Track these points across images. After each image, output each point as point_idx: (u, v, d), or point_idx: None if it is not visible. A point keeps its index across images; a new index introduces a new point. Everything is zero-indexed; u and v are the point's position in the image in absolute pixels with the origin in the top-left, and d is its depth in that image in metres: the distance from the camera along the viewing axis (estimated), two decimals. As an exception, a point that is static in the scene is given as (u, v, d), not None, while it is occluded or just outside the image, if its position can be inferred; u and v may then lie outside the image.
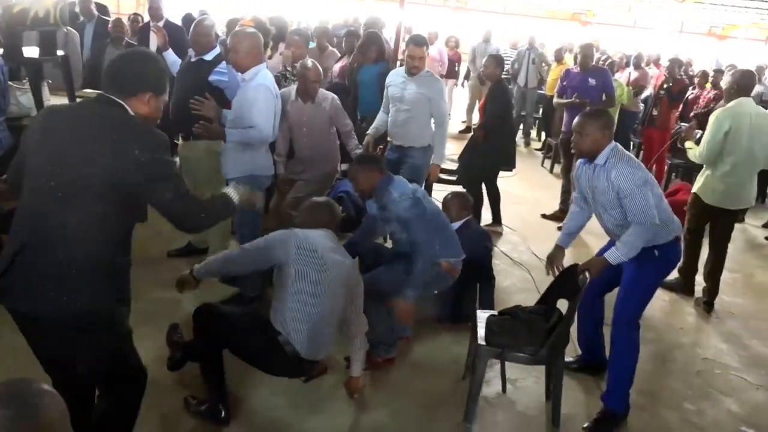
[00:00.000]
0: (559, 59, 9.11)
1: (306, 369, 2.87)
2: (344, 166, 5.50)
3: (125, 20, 6.51)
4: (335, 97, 4.38)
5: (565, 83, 6.44)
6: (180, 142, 4.24)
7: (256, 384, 3.19)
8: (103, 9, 7.30)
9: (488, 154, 5.46)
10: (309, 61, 4.26)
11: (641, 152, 8.98)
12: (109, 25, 5.97)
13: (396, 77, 4.65)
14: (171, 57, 4.49)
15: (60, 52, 4.23)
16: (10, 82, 4.03)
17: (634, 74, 8.69)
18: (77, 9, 6.62)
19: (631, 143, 8.71)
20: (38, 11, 3.87)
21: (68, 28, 5.02)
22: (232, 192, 2.39)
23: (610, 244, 3.18)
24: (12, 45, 3.94)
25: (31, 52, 4.02)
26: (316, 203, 3.08)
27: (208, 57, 4.00)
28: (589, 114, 3.13)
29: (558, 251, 3.39)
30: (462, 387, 3.29)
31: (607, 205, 3.08)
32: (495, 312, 3.23)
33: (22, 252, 1.93)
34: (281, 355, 2.72)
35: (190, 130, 3.75)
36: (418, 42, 4.51)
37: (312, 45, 6.18)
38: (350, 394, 3.07)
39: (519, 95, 9.65)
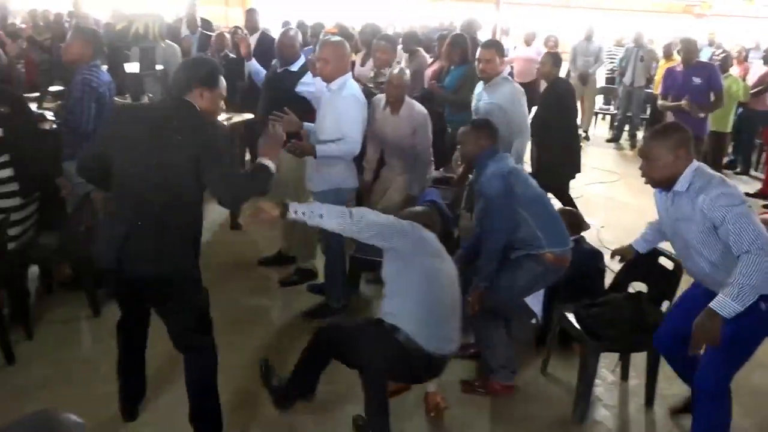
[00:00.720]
0: (667, 55, 8.52)
1: (438, 367, 2.72)
2: (435, 174, 5.39)
3: (227, 34, 6.72)
4: (426, 115, 4.14)
5: (667, 83, 5.97)
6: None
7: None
8: (206, 24, 7.59)
9: (550, 162, 5.12)
10: (396, 66, 4.17)
11: (764, 154, 8.24)
12: (212, 39, 6.19)
13: (478, 87, 4.38)
14: (254, 66, 4.54)
15: (159, 67, 4.39)
16: (116, 98, 4.24)
17: (763, 69, 7.86)
18: (184, 23, 6.92)
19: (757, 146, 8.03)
20: (138, 27, 4.04)
21: (167, 42, 5.23)
22: (269, 163, 2.52)
23: (698, 289, 2.61)
24: (114, 62, 4.13)
25: (132, 67, 4.21)
26: (416, 212, 2.97)
27: (294, 67, 4.01)
28: (655, 134, 2.51)
29: (627, 250, 3.06)
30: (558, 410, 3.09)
31: (696, 242, 2.42)
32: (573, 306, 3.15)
33: (129, 231, 2.36)
34: (406, 355, 2.58)
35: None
36: (485, 44, 4.24)
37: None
38: (427, 410, 2.94)
39: (624, 94, 9.16)
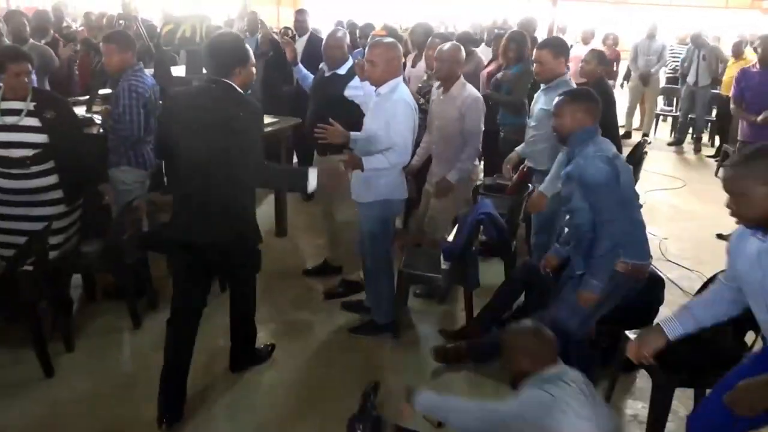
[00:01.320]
0: (737, 55, 7.98)
1: None
2: (487, 180, 5.15)
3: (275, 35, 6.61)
4: (477, 98, 3.86)
5: (742, 85, 5.51)
6: (316, 156, 4.14)
7: None
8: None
9: None
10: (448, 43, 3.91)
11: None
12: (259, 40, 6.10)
13: (538, 91, 4.06)
14: (301, 72, 4.37)
15: (205, 70, 4.28)
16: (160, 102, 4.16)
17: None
18: (235, 24, 6.87)
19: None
20: (185, 30, 3.94)
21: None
22: (312, 177, 2.79)
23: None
24: (161, 66, 4.05)
25: (178, 71, 4.11)
26: (521, 337, 2.27)
27: (342, 71, 3.84)
28: (742, 161, 1.93)
29: (658, 338, 2.25)
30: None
31: None
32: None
33: (192, 203, 2.70)
34: None
35: (326, 146, 3.62)
36: (539, 44, 3.91)
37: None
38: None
39: (687, 95, 8.67)
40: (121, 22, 6.18)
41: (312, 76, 4.32)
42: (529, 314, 2.99)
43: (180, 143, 2.63)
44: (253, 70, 2.80)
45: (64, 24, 7.15)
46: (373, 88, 3.43)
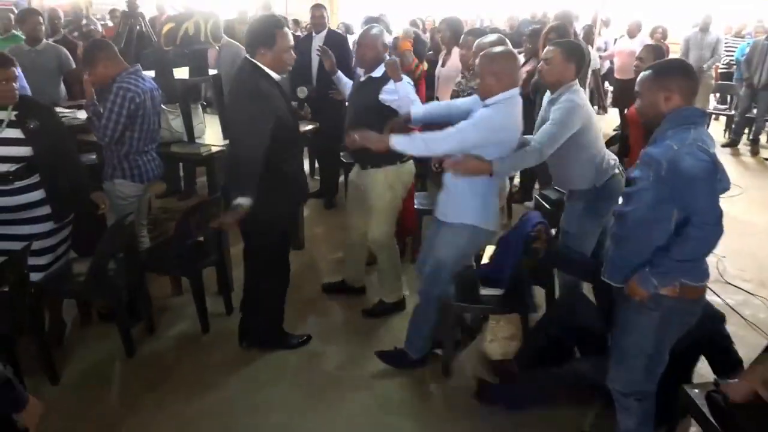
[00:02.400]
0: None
1: None
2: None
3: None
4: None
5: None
6: (355, 169, 3.75)
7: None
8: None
9: None
10: None
11: None
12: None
13: (545, 100, 3.36)
14: (342, 80, 3.92)
15: (213, 71, 3.94)
16: (164, 106, 3.83)
17: None
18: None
19: None
20: (189, 28, 3.59)
21: (228, 40, 4.78)
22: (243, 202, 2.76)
23: None
24: (162, 67, 3.71)
25: (181, 73, 3.77)
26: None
27: (377, 73, 3.40)
28: None
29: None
30: None
31: None
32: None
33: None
34: None
35: (365, 157, 3.28)
36: (553, 42, 3.33)
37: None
38: None
39: (747, 93, 7.94)
40: (85, 22, 5.87)
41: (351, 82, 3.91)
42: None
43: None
44: (285, 56, 2.86)
45: (84, 22, 6.90)
46: (408, 91, 3.26)
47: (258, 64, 2.82)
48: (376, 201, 3.55)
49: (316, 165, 6.25)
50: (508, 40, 3.49)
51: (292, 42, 2.91)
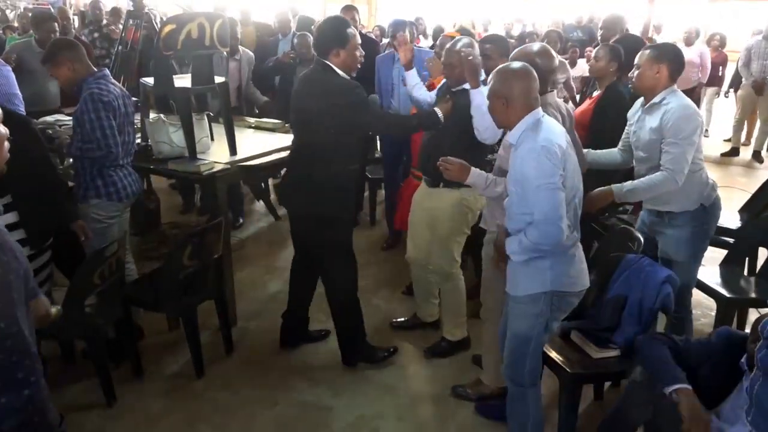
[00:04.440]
0: None
1: None
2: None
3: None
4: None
5: None
6: (423, 187, 3.27)
7: None
8: (308, 23, 6.76)
9: None
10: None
11: None
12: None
13: (633, 110, 3.03)
14: (413, 79, 3.36)
15: (220, 79, 3.51)
16: (164, 118, 3.44)
17: None
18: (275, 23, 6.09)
19: None
20: (192, 31, 3.18)
21: (243, 49, 4.37)
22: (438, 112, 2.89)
23: None
24: (161, 74, 3.31)
25: (182, 81, 3.36)
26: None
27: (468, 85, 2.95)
28: None
29: None
30: None
31: None
32: None
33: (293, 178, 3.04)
34: None
35: (439, 175, 2.80)
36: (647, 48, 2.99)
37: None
38: None
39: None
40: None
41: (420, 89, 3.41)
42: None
43: (291, 122, 3.00)
44: (357, 54, 2.86)
45: (104, 22, 6.60)
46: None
47: (330, 65, 2.81)
48: (444, 224, 3.14)
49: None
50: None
51: (360, 41, 2.91)
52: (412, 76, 3.39)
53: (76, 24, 8.26)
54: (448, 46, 3.08)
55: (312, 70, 2.89)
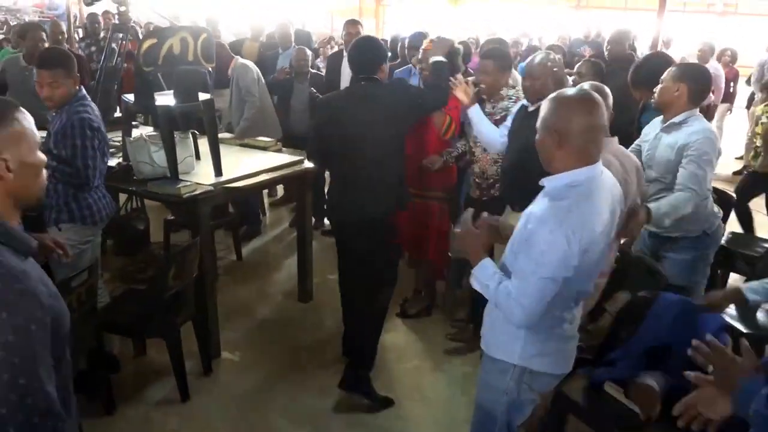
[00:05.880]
0: None
1: None
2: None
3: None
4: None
5: None
6: (507, 212, 3.00)
7: None
8: (306, 38, 6.64)
9: None
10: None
11: None
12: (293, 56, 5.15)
13: (651, 127, 2.92)
14: (475, 114, 3.12)
15: (204, 96, 3.35)
16: (146, 136, 3.27)
17: None
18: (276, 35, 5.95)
19: None
20: (173, 45, 3.02)
21: (241, 61, 4.19)
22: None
23: None
24: (142, 91, 3.15)
25: (165, 99, 3.20)
26: None
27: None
28: None
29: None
30: None
31: None
32: None
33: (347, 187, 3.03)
34: None
35: (523, 200, 2.38)
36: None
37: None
38: None
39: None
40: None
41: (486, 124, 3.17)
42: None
43: (349, 141, 2.90)
44: (386, 67, 3.04)
45: (101, 35, 6.49)
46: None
47: (378, 78, 2.97)
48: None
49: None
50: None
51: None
52: (475, 112, 3.11)
53: (80, 35, 8.16)
54: (528, 60, 2.98)
55: (364, 87, 2.95)
